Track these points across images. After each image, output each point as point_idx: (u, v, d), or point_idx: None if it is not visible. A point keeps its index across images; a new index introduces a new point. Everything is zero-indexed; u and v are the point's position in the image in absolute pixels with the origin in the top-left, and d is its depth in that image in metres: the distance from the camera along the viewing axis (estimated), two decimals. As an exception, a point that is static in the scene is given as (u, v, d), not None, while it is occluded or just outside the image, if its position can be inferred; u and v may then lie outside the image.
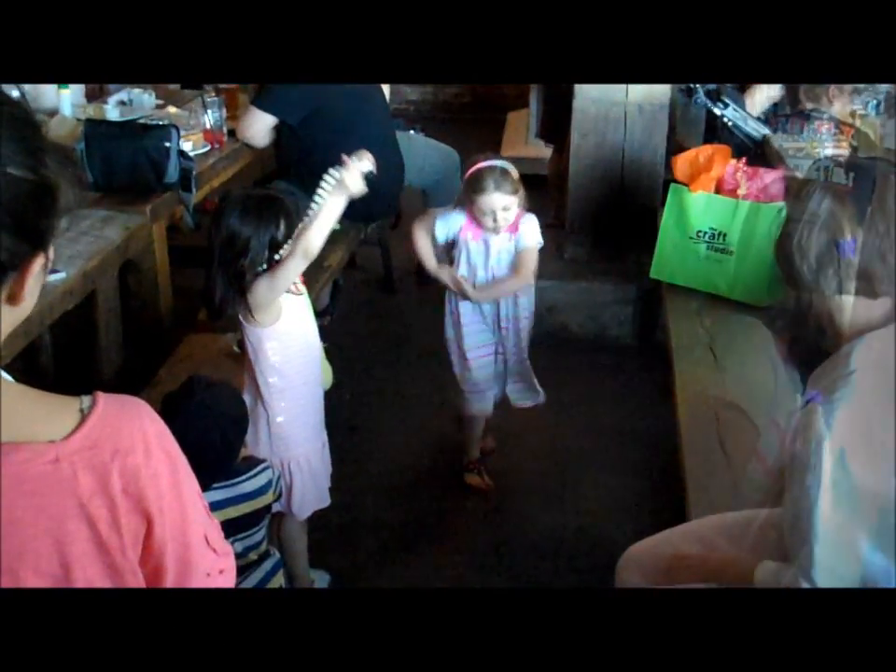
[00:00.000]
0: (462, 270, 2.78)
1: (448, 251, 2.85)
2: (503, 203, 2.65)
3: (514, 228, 2.74)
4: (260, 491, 2.08)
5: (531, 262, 2.75)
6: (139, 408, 0.98)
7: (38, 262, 0.91)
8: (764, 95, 3.85)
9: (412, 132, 4.34)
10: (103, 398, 0.95)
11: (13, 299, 0.90)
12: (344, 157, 2.12)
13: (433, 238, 2.81)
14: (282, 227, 2.10)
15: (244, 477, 2.06)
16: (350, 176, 2.08)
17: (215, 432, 2.00)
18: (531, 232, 2.75)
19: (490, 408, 2.92)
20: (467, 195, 2.70)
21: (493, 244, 2.75)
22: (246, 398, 2.21)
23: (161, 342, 3.02)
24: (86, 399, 0.95)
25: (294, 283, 2.17)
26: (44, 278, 0.94)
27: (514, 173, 2.69)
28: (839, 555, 1.38)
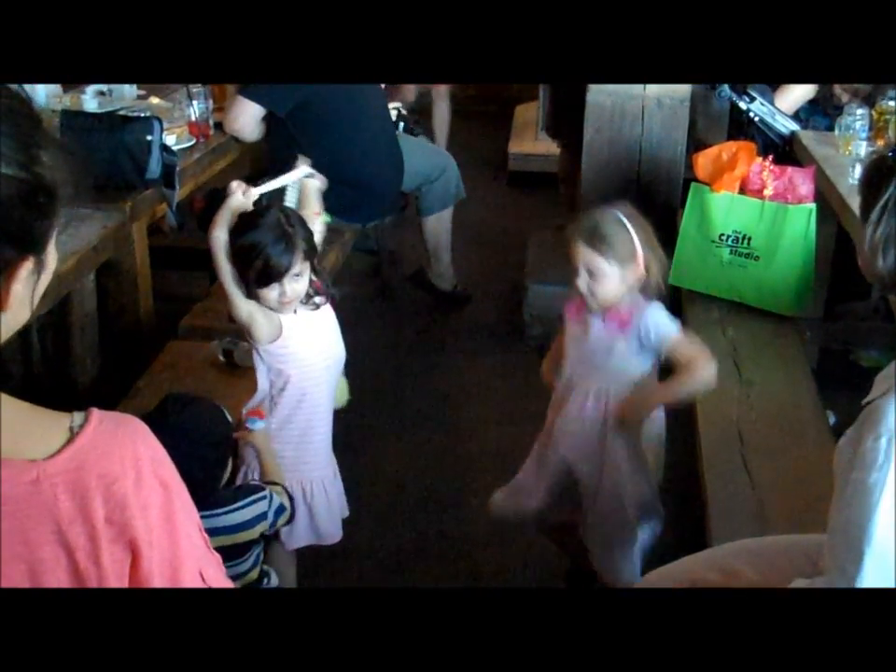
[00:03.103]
0: (572, 357, 2.29)
1: None
2: (589, 262, 2.14)
3: (625, 321, 2.18)
4: (244, 525, 1.99)
5: (696, 364, 2.14)
6: (135, 430, 0.98)
7: (25, 267, 0.91)
8: (799, 93, 3.82)
9: (401, 122, 4.24)
10: (97, 416, 0.95)
11: None
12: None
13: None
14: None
15: (227, 508, 1.98)
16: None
17: (192, 459, 1.84)
18: (659, 324, 2.17)
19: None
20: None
21: (592, 326, 2.22)
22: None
23: (140, 349, 3.01)
24: (78, 417, 0.95)
25: (309, 297, 2.18)
26: (36, 282, 0.94)
27: (629, 234, 2.13)
28: (890, 565, 1.35)
